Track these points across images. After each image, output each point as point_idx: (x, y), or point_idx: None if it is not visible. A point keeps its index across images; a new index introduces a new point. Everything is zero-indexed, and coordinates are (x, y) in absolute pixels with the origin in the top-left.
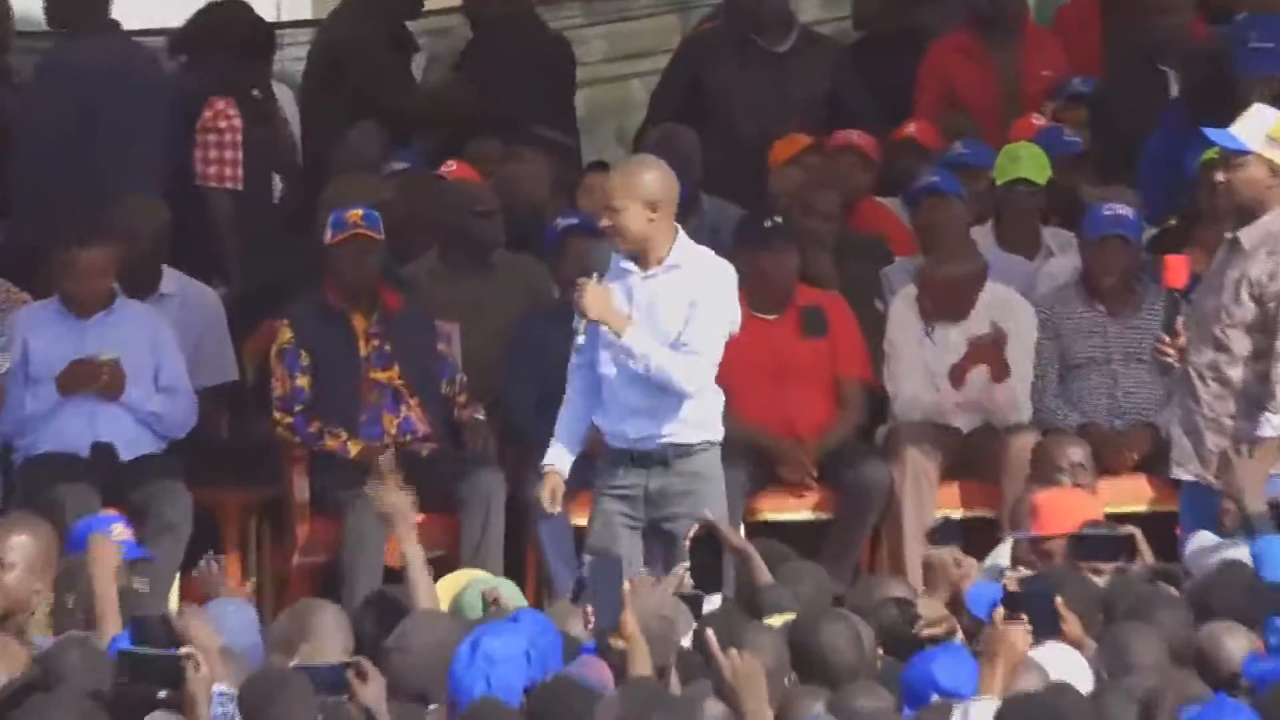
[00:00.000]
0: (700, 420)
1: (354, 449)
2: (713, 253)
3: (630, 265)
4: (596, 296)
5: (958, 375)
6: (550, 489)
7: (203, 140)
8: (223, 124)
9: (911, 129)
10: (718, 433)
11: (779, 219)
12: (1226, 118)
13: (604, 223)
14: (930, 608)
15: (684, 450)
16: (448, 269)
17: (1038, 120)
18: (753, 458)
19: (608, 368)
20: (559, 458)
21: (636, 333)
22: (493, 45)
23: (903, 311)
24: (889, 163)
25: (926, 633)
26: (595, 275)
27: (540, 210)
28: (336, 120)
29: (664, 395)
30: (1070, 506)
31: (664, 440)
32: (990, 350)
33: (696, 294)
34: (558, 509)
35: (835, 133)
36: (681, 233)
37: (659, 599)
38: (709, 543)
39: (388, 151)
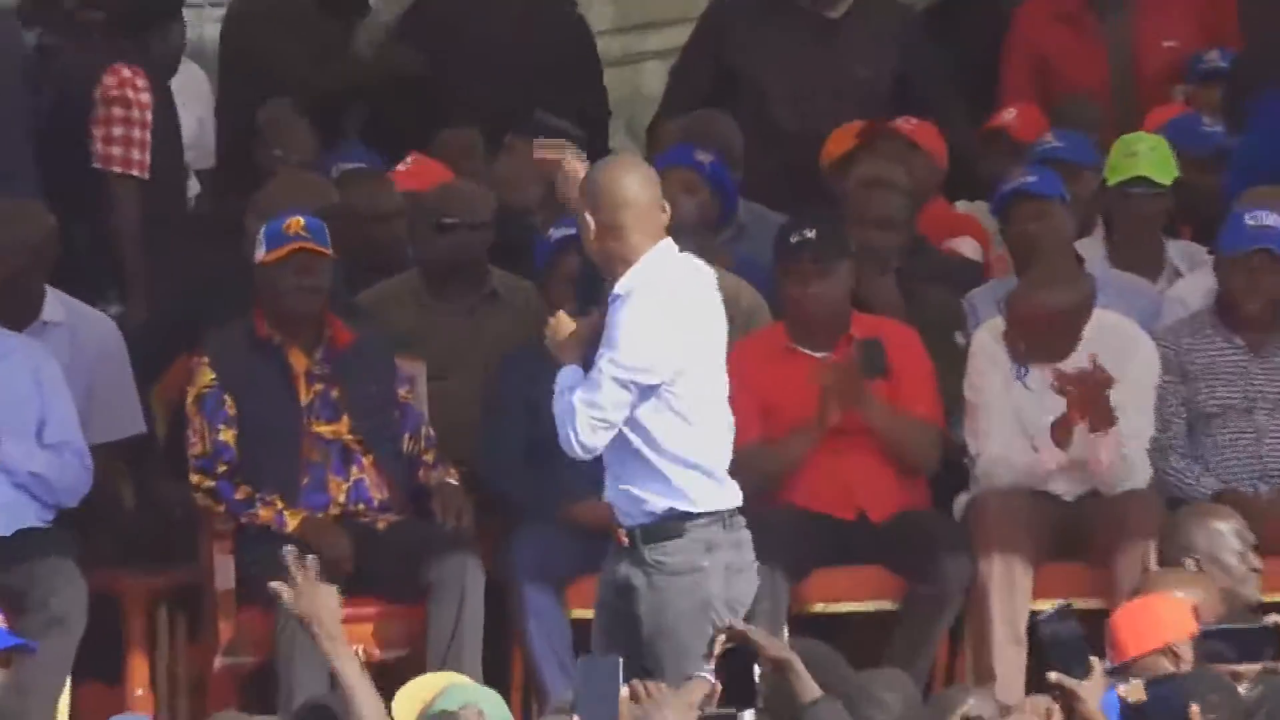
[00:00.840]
0: (659, 484)
1: (292, 521)
2: (676, 276)
3: None
4: (560, 327)
5: (1061, 429)
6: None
7: (105, 114)
8: (130, 94)
9: (1010, 116)
10: (692, 502)
11: (809, 232)
12: None
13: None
14: None
15: (651, 531)
16: (425, 295)
17: (1176, 104)
18: (798, 533)
19: None
20: None
21: (566, 370)
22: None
23: (988, 348)
24: (973, 159)
25: None
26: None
27: (533, 217)
28: (254, 106)
29: (620, 453)
30: (1156, 621)
31: (631, 514)
32: (1087, 390)
33: (606, 331)
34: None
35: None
36: (656, 252)
37: (672, 711)
38: (740, 653)
39: (323, 143)
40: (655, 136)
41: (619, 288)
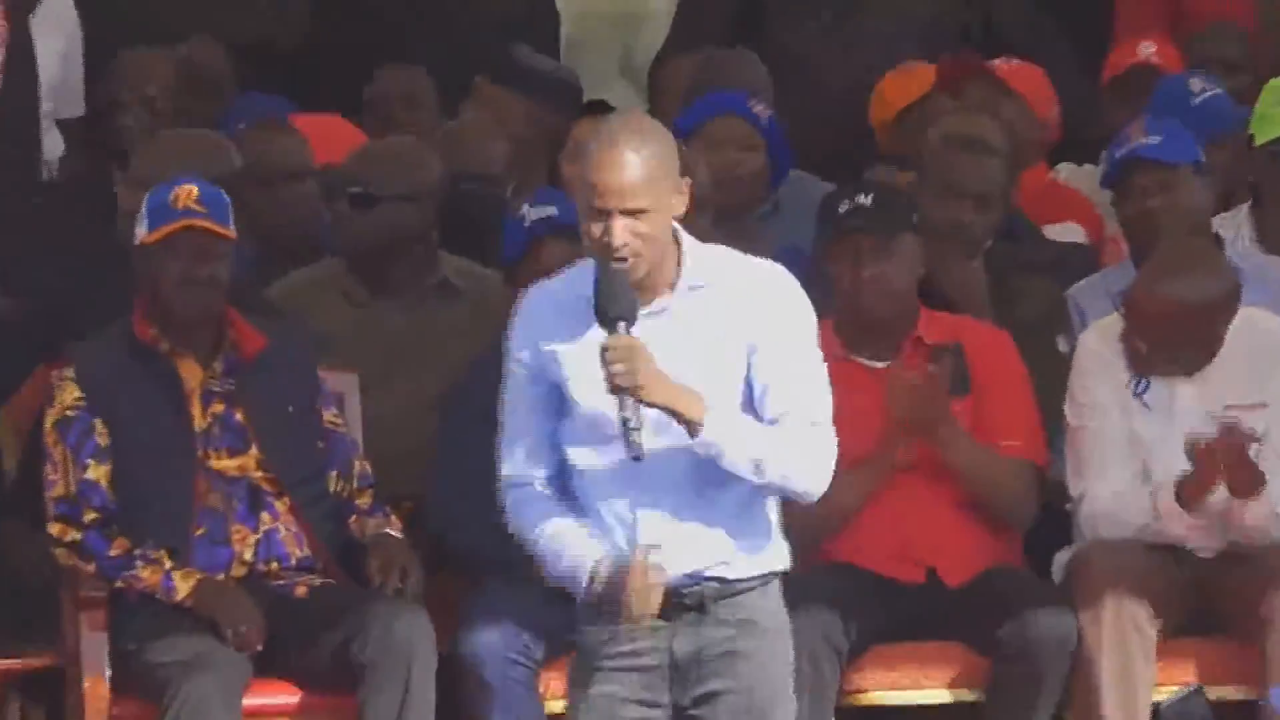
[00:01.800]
0: (755, 540)
1: (183, 585)
2: (754, 257)
3: None
4: (635, 353)
5: (1191, 491)
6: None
7: None
8: None
9: (1149, 51)
10: (785, 558)
11: (863, 198)
12: None
13: (618, 242)
14: None
15: (729, 589)
16: (353, 287)
17: None
18: (849, 600)
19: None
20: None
21: (721, 421)
22: None
23: (1100, 355)
24: (1086, 114)
25: None
26: (622, 324)
27: (500, 186)
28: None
29: (692, 501)
30: None
31: (701, 578)
32: (1228, 455)
33: (761, 327)
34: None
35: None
36: (683, 234)
37: None
38: None
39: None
40: (661, 79)
41: (693, 275)
